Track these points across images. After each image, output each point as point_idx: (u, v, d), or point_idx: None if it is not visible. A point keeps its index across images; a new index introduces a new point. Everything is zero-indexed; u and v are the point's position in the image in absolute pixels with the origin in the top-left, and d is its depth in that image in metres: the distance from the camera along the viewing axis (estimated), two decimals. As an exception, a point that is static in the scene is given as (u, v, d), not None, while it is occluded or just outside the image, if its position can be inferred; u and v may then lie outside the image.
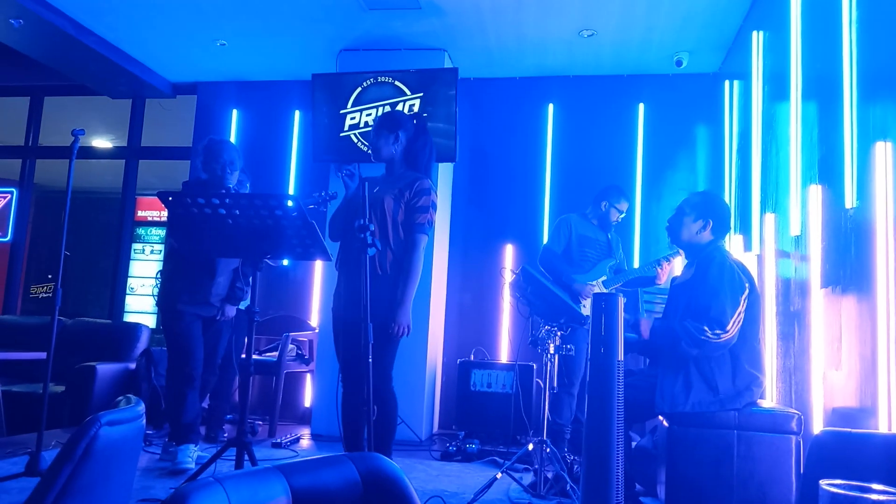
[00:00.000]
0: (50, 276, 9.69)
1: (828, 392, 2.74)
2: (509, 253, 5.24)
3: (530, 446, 3.10)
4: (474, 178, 5.35)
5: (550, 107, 5.32)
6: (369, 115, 4.78)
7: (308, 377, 5.19)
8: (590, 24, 4.49)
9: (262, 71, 5.55)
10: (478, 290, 5.23)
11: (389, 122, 2.88)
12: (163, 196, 2.40)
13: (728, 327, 2.61)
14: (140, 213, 8.02)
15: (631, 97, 5.22)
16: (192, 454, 3.30)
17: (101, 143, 7.17)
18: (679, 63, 4.85)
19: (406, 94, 4.72)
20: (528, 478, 3.30)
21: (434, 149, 2.94)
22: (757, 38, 3.94)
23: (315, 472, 0.89)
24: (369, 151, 2.93)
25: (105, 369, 4.43)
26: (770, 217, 3.58)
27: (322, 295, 5.20)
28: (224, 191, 3.34)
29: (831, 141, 2.76)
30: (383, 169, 2.92)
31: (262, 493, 0.81)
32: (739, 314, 2.66)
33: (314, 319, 5.27)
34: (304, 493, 0.85)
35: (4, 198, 6.40)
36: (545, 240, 5.00)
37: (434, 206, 2.79)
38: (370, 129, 2.96)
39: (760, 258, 3.73)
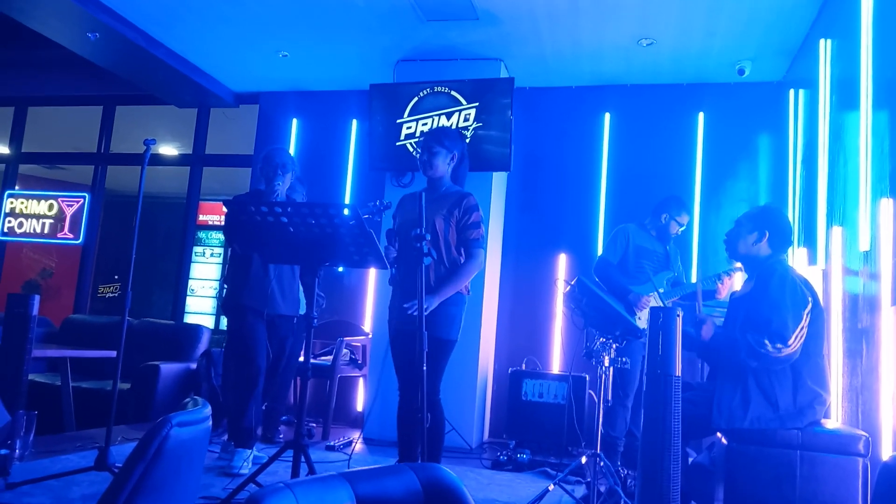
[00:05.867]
0: (116, 277, 10.10)
1: (898, 414, 2.63)
2: (562, 263, 5.20)
3: (583, 459, 3.07)
4: (528, 187, 5.34)
5: (607, 116, 5.27)
6: (425, 124, 4.83)
7: (361, 381, 5.26)
8: (648, 32, 4.43)
9: (322, 81, 5.67)
10: (530, 299, 5.21)
11: (450, 142, 2.94)
12: (228, 204, 2.49)
13: (790, 342, 2.53)
14: (201, 217, 8.29)
15: (690, 106, 5.13)
16: (248, 458, 3.39)
17: (168, 150, 7.45)
18: (741, 72, 4.74)
19: (462, 104, 4.75)
20: (579, 490, 3.27)
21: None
22: (825, 46, 3.82)
23: (378, 481, 0.91)
24: (421, 163, 2.97)
25: (168, 368, 4.60)
26: (837, 231, 3.46)
27: (375, 301, 5.27)
28: (275, 188, 3.44)
29: (904, 153, 2.66)
30: (425, 182, 2.98)
31: (329, 498, 0.84)
32: (802, 329, 2.58)
33: (367, 325, 5.35)
34: (368, 500, 0.87)
35: (78, 202, 6.71)
36: (600, 250, 4.95)
37: (483, 221, 2.89)
38: (424, 140, 3.00)
39: (826, 273, 3.60)
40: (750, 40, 4.43)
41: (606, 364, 3.00)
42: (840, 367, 3.31)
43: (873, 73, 3.08)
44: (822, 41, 3.85)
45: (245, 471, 3.31)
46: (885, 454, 2.61)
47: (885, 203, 2.80)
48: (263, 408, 4.10)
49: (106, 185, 6.79)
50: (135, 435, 3.87)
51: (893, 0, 2.90)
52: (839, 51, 3.66)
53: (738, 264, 3.43)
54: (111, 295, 10.02)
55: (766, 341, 2.53)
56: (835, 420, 3.25)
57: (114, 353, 3.64)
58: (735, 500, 2.57)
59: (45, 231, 6.77)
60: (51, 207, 6.77)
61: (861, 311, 3.07)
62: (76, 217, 6.65)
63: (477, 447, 4.63)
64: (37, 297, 3.28)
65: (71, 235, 6.68)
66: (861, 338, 3.05)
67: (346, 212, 2.40)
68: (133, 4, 4.58)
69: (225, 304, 3.55)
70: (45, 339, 5.38)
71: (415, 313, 2.56)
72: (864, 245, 3.03)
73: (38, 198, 6.86)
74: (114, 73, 5.60)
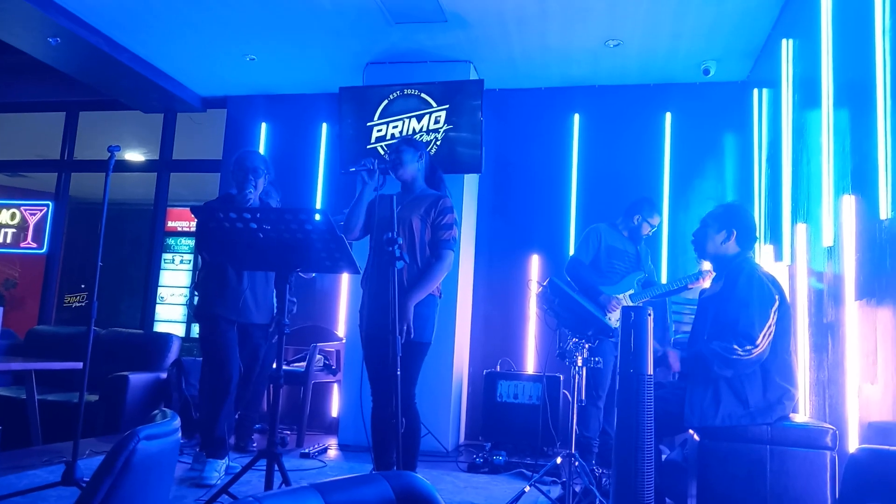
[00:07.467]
0: (83, 286, 9.89)
1: (863, 406, 2.69)
2: (535, 264, 5.22)
3: (559, 459, 3.08)
4: (499, 189, 5.36)
5: (576, 117, 5.31)
6: (395, 127, 4.82)
7: (335, 387, 5.22)
8: (615, 33, 4.48)
9: (291, 84, 5.63)
10: (503, 300, 5.23)
11: (416, 142, 3.02)
12: (197, 211, 2.45)
13: (758, 341, 2.57)
14: (170, 224, 8.16)
15: (657, 106, 5.19)
16: (220, 469, 3.34)
17: (134, 156, 7.33)
18: (706, 72, 4.81)
19: (432, 106, 4.75)
20: (555, 491, 3.28)
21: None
22: (786, 46, 3.90)
23: (350, 491, 0.90)
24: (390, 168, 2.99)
25: (137, 379, 4.51)
26: (801, 227, 3.53)
27: (349, 306, 5.23)
28: (247, 196, 3.40)
29: (865, 150, 2.72)
30: (399, 187, 2.99)
31: (300, 511, 0.82)
32: (770, 327, 2.61)
33: (341, 330, 5.31)
34: (341, 511, 0.86)
35: (41, 210, 6.56)
36: (571, 251, 4.99)
37: (457, 224, 2.91)
38: (392, 144, 3.05)
39: (791, 269, 3.67)
40: (715, 41, 4.50)
41: (580, 364, 3.02)
42: (807, 362, 3.37)
43: (834, 72, 3.14)
44: (783, 41, 3.92)
45: (218, 481, 3.26)
46: (852, 447, 2.66)
47: (847, 199, 2.86)
48: (236, 416, 4.04)
49: (71, 193, 6.65)
50: (103, 448, 3.79)
51: (852, 0, 2.97)
52: (800, 50, 3.74)
53: (707, 265, 3.48)
54: (78, 304, 9.81)
55: (735, 346, 2.56)
56: (803, 414, 3.31)
57: (80, 365, 3.56)
58: (708, 495, 2.60)
59: (8, 241, 6.62)
60: (13, 216, 6.62)
61: (826, 306, 3.13)
62: (40, 225, 6.51)
63: (453, 450, 4.63)
64: (0, 309, 3.20)
65: (34, 244, 6.54)
66: (827, 332, 3.11)
67: (317, 217, 2.38)
68: (95, 9, 4.49)
69: (197, 312, 3.49)
70: (10, 352, 5.24)
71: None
72: (827, 241, 3.09)
73: (0, 206, 6.69)
74: (77, 78, 5.48)
